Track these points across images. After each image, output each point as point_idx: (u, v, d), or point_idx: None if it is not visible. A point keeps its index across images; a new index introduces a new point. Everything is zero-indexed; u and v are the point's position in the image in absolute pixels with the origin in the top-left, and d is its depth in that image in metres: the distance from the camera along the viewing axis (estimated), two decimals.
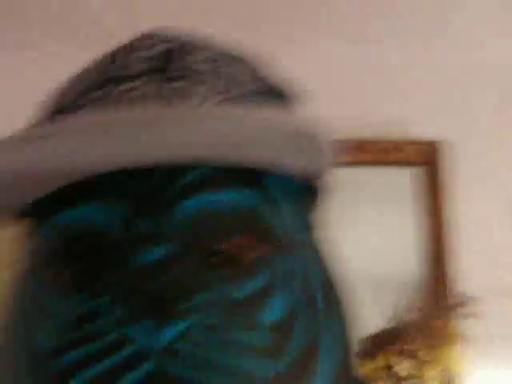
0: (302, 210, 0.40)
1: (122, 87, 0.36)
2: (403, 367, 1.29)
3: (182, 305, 0.30)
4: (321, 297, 0.36)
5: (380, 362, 1.26)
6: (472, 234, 1.47)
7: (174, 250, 0.32)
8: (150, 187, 0.33)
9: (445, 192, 1.50)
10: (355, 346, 0.38)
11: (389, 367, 1.27)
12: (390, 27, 1.53)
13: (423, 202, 1.51)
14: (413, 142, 1.53)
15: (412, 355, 1.32)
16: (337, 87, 1.46)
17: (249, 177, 0.35)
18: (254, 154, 0.34)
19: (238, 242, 0.34)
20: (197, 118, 0.33)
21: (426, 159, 1.52)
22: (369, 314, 1.37)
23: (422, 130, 1.52)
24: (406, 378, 1.28)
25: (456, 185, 1.49)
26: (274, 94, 0.40)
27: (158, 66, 0.37)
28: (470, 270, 1.44)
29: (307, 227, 0.40)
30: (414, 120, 1.52)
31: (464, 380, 1.33)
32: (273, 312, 0.33)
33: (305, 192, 0.40)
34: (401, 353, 1.31)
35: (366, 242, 1.49)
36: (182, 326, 0.30)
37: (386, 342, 1.31)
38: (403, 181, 1.53)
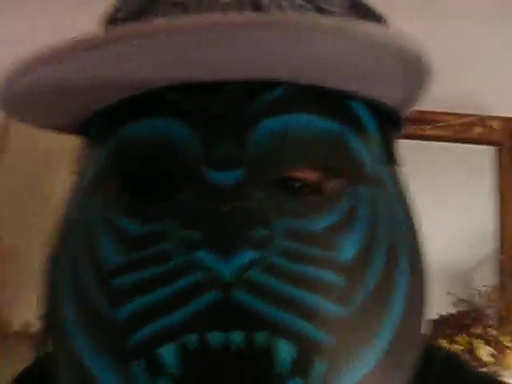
0: (387, 142, 0.36)
1: None
2: (485, 352, 1.25)
3: (258, 231, 0.28)
4: (404, 241, 0.33)
5: (461, 343, 1.22)
6: None
7: (252, 174, 0.30)
8: (227, 105, 0.30)
9: None
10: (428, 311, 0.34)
11: (470, 350, 1.23)
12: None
13: (503, 181, 1.45)
14: (496, 118, 1.46)
15: (494, 340, 1.27)
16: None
17: (337, 101, 0.32)
18: (355, 76, 0.31)
19: (320, 170, 0.31)
20: (292, 26, 0.27)
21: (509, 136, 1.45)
22: (442, 295, 1.37)
23: (506, 107, 1.45)
24: (487, 364, 1.24)
25: None
26: (366, 12, 0.37)
27: None
28: None
29: (391, 161, 0.36)
30: (497, 96, 1.46)
31: None
32: (350, 248, 0.30)
33: (390, 122, 0.36)
34: (482, 337, 1.27)
35: (442, 220, 1.44)
36: (255, 253, 0.28)
37: (466, 324, 1.27)
38: (483, 159, 1.47)
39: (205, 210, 0.28)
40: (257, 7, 0.32)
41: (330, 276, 0.29)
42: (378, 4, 0.37)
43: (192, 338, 0.27)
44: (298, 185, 0.31)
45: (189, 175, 0.30)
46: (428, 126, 1.41)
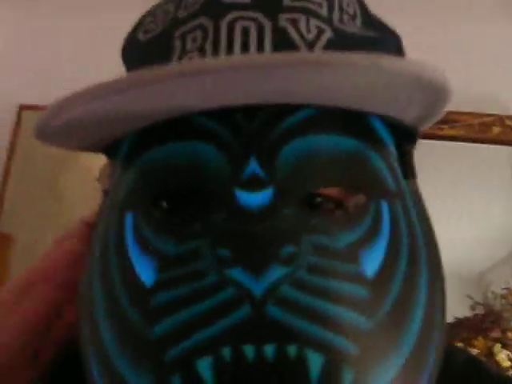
0: (404, 157, 0.38)
1: (231, 16, 0.34)
2: (505, 357, 1.23)
3: (287, 248, 0.29)
4: (424, 251, 0.34)
5: (479, 347, 1.20)
6: None
7: (280, 192, 0.31)
8: (254, 128, 0.32)
9: None
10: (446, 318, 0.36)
11: (488, 354, 1.21)
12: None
13: None
14: None
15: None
16: (441, 60, 1.40)
17: (357, 120, 0.34)
18: (376, 100, 0.32)
19: (343, 187, 0.33)
20: (326, 64, 0.28)
21: None
22: (459, 298, 1.35)
23: None
24: (507, 368, 1.21)
25: None
26: (385, 35, 0.39)
27: None
28: None
29: (408, 175, 0.38)
30: None
31: None
32: (374, 262, 0.32)
33: (407, 137, 0.38)
34: (500, 341, 1.25)
35: (460, 221, 1.42)
36: (285, 270, 0.29)
37: (484, 327, 1.25)
38: (502, 159, 1.45)
39: (236, 229, 0.30)
40: (285, 42, 0.34)
41: (354, 289, 0.30)
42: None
43: (227, 352, 0.28)
44: (322, 201, 0.33)
45: (220, 196, 0.31)
46: (446, 126, 1.39)
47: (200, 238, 0.31)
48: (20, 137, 1.47)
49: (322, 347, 0.29)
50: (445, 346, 0.35)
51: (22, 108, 1.49)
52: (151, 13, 0.40)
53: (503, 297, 1.34)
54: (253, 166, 0.31)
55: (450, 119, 1.40)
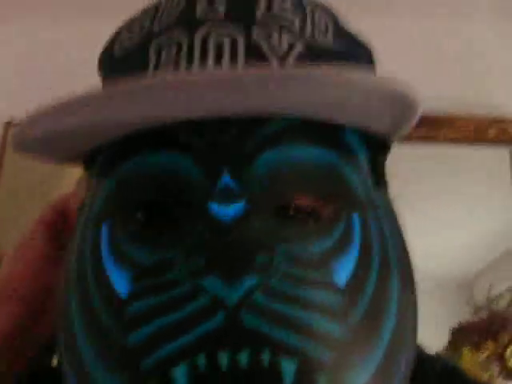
0: (377, 166, 0.39)
1: (203, 30, 0.35)
2: None
3: (260, 258, 0.30)
4: (395, 261, 0.35)
5: (490, 350, 1.18)
6: None
7: (253, 203, 0.32)
8: (228, 140, 0.32)
9: None
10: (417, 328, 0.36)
11: (500, 357, 1.18)
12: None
13: None
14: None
15: None
16: (435, 63, 1.41)
17: (330, 132, 0.34)
18: (347, 113, 0.33)
19: (317, 197, 0.33)
20: (286, 73, 0.31)
21: None
22: (458, 301, 1.34)
23: None
24: None
25: None
26: (357, 48, 0.40)
27: (245, 10, 0.36)
28: None
29: (380, 184, 0.39)
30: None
31: None
32: (345, 271, 0.32)
33: (379, 148, 0.39)
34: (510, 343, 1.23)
35: (459, 221, 1.41)
36: (258, 279, 0.29)
37: (493, 330, 1.23)
38: (499, 160, 1.44)
39: (210, 240, 0.30)
40: (257, 56, 0.35)
41: (326, 297, 0.31)
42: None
43: (201, 359, 0.28)
44: (295, 212, 0.33)
45: (194, 208, 0.32)
46: (442, 129, 1.38)
47: (174, 248, 0.31)
48: (8, 151, 1.44)
49: (296, 354, 0.29)
50: (422, 353, 0.36)
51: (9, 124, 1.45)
52: (127, 25, 0.40)
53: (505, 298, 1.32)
54: (225, 179, 0.32)
55: (446, 123, 1.40)
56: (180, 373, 0.29)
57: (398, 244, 0.36)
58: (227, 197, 0.31)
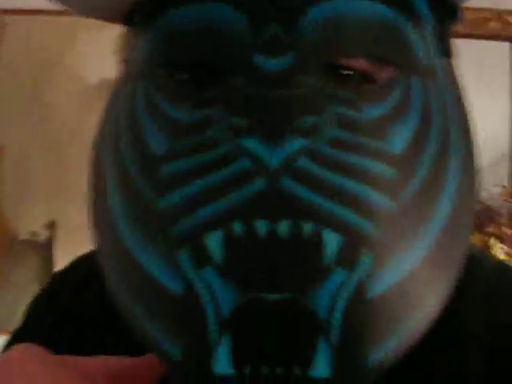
0: (442, 34, 0.35)
1: None
2: (500, 251, 1.24)
3: (307, 119, 0.27)
4: (457, 138, 0.32)
5: (475, 241, 1.21)
6: None
7: (303, 58, 0.29)
8: None
9: None
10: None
11: (486, 248, 1.22)
12: None
13: None
14: None
15: (508, 239, 1.26)
16: None
17: None
18: None
19: (372, 58, 0.30)
20: None
21: None
22: None
23: None
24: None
25: None
26: None
27: None
28: None
29: (444, 53, 0.35)
30: None
31: None
32: (402, 139, 0.29)
33: (446, 13, 0.35)
34: (496, 235, 1.26)
35: None
36: (304, 141, 0.27)
37: (479, 223, 1.26)
38: (498, 55, 1.42)
39: (254, 96, 0.28)
40: None
41: (379, 167, 0.28)
42: None
43: (238, 227, 0.27)
44: (350, 73, 0.30)
45: (238, 61, 0.29)
46: None
47: (214, 105, 0.29)
48: (3, 45, 1.43)
49: (340, 226, 0.27)
50: (473, 251, 0.33)
51: (6, 13, 1.42)
52: None
53: (497, 194, 1.34)
54: (274, 29, 0.29)
55: None
56: (214, 240, 0.27)
57: (460, 120, 0.33)
58: (275, 48, 0.28)
